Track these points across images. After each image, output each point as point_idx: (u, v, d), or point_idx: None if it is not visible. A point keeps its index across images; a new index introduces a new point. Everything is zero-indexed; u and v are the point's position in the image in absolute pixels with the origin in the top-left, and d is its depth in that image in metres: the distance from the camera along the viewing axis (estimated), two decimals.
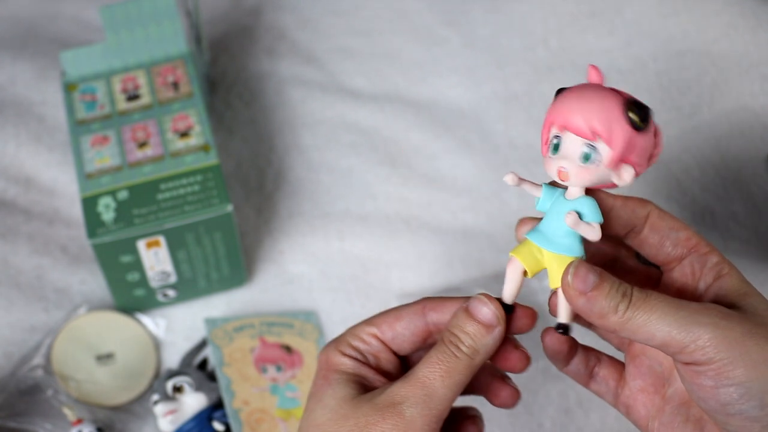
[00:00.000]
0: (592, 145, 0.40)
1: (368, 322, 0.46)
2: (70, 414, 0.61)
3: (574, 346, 0.47)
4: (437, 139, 0.78)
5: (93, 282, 0.70)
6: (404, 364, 0.47)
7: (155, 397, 0.62)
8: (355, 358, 0.45)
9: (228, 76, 0.82)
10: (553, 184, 0.43)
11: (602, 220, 0.42)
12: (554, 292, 0.44)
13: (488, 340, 0.43)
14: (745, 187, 0.75)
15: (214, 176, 0.64)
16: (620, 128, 0.40)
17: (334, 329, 0.69)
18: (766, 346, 0.39)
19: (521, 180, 0.42)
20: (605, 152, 0.41)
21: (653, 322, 0.40)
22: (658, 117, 0.82)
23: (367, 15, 0.87)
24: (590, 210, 0.42)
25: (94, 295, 0.69)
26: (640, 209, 0.44)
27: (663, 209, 0.45)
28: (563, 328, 0.44)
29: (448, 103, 0.81)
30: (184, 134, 0.66)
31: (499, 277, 0.70)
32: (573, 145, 0.41)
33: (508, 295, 0.44)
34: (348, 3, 0.88)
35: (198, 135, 0.66)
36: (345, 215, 0.74)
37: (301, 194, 0.75)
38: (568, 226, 0.41)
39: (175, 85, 0.69)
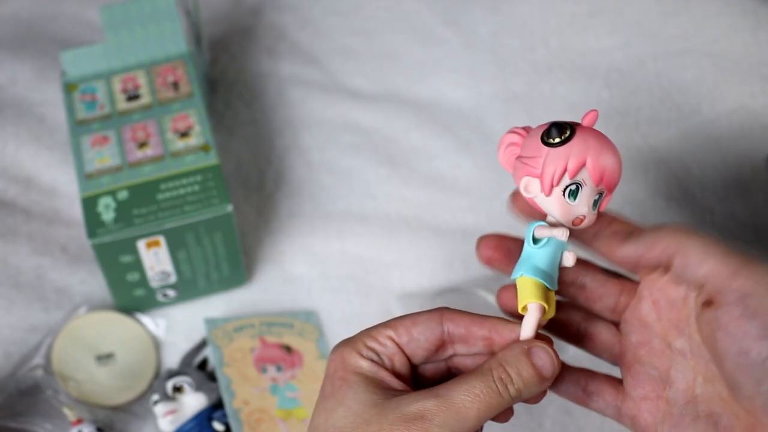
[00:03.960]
0: (601, 193, 0.43)
1: (384, 324, 0.45)
2: (70, 414, 0.61)
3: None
4: (437, 139, 0.78)
5: (93, 282, 0.70)
6: (414, 371, 0.47)
7: (155, 397, 0.62)
8: (372, 360, 0.44)
9: (228, 76, 0.82)
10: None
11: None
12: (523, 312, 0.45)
13: (537, 389, 0.42)
14: (745, 187, 0.75)
15: (214, 176, 0.64)
16: None
17: (334, 329, 0.69)
18: None
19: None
20: (604, 197, 0.43)
21: (708, 249, 0.40)
22: (658, 117, 0.82)
23: (367, 15, 0.87)
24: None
25: (94, 295, 0.69)
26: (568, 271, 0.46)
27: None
28: None
29: (448, 103, 0.81)
30: (184, 134, 0.66)
31: (500, 277, 0.70)
32: (591, 193, 0.42)
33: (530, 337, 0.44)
34: (348, 3, 0.88)
35: (198, 135, 0.66)
36: (345, 215, 0.74)
37: (301, 194, 0.75)
38: (566, 265, 0.44)
39: (175, 85, 0.69)
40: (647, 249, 0.43)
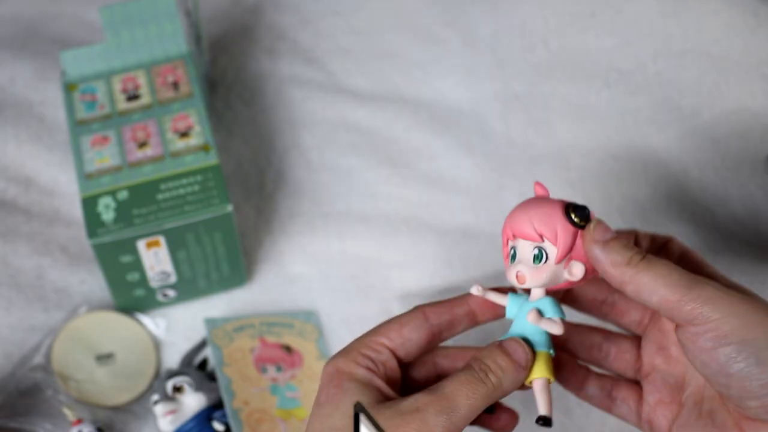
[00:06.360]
0: (540, 247, 0.45)
1: (375, 332, 0.47)
2: (70, 414, 0.61)
3: (586, 373, 0.51)
4: (437, 139, 0.78)
5: (93, 282, 0.70)
6: (404, 380, 0.49)
7: (155, 397, 0.62)
8: (367, 368, 0.46)
9: (228, 76, 0.82)
10: (514, 291, 0.48)
11: (563, 315, 0.47)
12: (529, 385, 0.47)
13: (513, 377, 0.45)
14: (745, 187, 0.75)
15: (214, 176, 0.64)
16: (563, 228, 0.45)
17: (334, 329, 0.69)
18: (761, 311, 0.42)
19: (486, 290, 0.47)
20: (552, 252, 0.45)
21: (659, 279, 0.43)
22: (658, 117, 0.82)
23: (367, 15, 0.87)
24: (551, 307, 0.46)
25: (94, 295, 0.69)
26: (603, 289, 0.50)
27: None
28: (543, 420, 0.46)
29: (448, 103, 0.81)
30: (184, 134, 0.66)
31: (500, 277, 0.70)
32: (525, 249, 0.46)
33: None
34: (348, 3, 0.88)
35: (198, 135, 0.66)
36: (345, 215, 0.74)
37: (301, 194, 0.75)
38: (532, 324, 0.46)
39: (175, 85, 0.69)
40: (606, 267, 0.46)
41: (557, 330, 0.46)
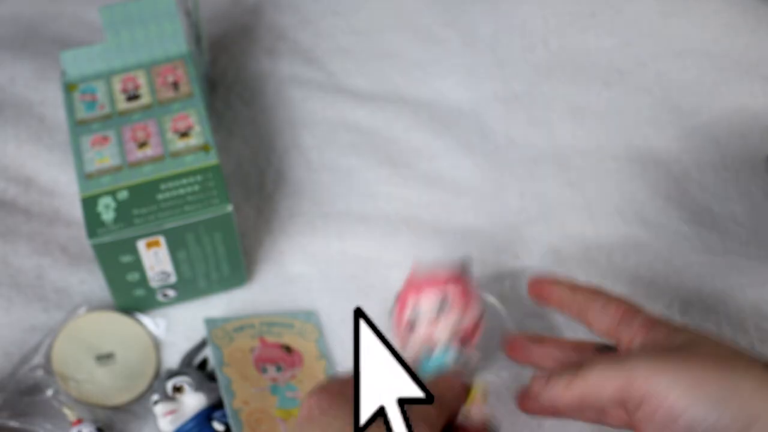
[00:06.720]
0: (444, 296, 0.50)
1: None
2: (70, 414, 0.61)
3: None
4: (437, 139, 0.78)
5: (93, 282, 0.70)
6: None
7: (155, 397, 0.62)
8: None
9: (228, 76, 0.83)
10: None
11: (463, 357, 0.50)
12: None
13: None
14: (744, 187, 0.75)
15: (214, 176, 0.64)
16: (455, 271, 0.51)
17: (334, 329, 0.69)
18: (692, 364, 0.42)
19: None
20: (455, 293, 0.50)
21: (596, 380, 0.44)
22: (658, 117, 0.82)
23: (367, 15, 0.87)
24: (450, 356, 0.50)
25: (94, 295, 0.69)
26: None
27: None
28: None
29: (448, 103, 0.81)
30: (184, 134, 0.66)
31: (499, 277, 0.70)
32: (428, 305, 0.50)
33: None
34: (348, 3, 0.88)
35: (198, 135, 0.66)
36: (345, 215, 0.74)
37: (301, 194, 0.75)
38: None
39: (175, 85, 0.69)
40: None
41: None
